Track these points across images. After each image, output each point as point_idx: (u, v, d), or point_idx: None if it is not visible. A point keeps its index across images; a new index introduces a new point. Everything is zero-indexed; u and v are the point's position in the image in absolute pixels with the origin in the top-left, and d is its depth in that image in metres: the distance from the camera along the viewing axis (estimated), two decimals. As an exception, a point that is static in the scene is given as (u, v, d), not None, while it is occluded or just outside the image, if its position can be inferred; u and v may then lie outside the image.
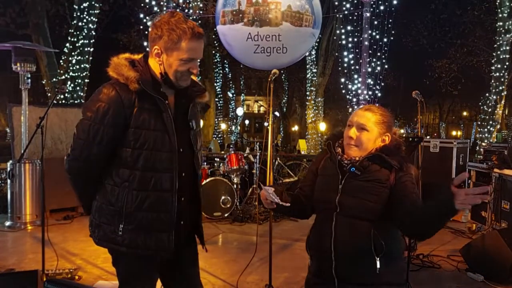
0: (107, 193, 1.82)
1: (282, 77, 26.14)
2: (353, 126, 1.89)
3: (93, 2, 10.46)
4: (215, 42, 15.45)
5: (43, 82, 11.27)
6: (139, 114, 1.77)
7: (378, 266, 1.75)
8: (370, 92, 7.85)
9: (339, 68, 9.62)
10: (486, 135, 11.14)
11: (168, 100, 1.86)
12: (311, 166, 2.10)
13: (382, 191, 1.79)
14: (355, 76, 8.46)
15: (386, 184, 1.79)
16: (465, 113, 36.59)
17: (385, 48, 8.10)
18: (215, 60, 19.51)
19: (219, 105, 21.25)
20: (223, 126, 24.62)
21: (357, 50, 8.04)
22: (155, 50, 1.80)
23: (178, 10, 8.66)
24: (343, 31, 8.93)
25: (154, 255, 1.85)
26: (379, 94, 8.31)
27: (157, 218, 1.82)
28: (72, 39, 10.47)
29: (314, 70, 16.71)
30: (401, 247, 1.93)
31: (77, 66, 10.48)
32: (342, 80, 9.38)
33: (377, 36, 8.01)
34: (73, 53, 10.46)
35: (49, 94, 11.13)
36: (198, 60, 1.87)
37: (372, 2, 7.47)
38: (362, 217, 1.79)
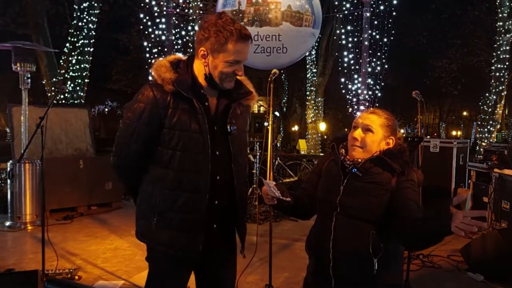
0: (144, 189, 1.89)
1: (282, 77, 26.12)
2: (359, 127, 1.91)
3: (93, 2, 10.45)
4: (215, 42, 15.46)
5: (43, 82, 11.26)
6: (173, 115, 1.79)
7: (375, 267, 1.75)
8: (370, 92, 7.84)
9: (339, 68, 9.61)
10: (486, 135, 11.14)
11: (210, 102, 1.86)
12: (315, 167, 2.11)
13: (383, 194, 1.80)
14: (355, 76, 8.46)
15: (387, 187, 1.80)
16: (465, 113, 36.56)
17: (385, 48, 8.10)
18: (215, 60, 19.51)
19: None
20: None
21: (357, 50, 8.04)
22: (201, 51, 1.81)
23: (178, 10, 8.66)
24: (343, 31, 8.93)
25: (183, 255, 1.86)
26: (379, 94, 8.31)
27: (188, 219, 1.83)
28: (72, 39, 10.47)
29: (314, 70, 16.71)
30: (401, 249, 1.92)
31: (77, 66, 10.48)
32: (342, 80, 9.37)
33: (377, 36, 8.01)
34: (73, 53, 10.46)
35: (49, 94, 11.12)
36: (243, 64, 1.86)
37: (372, 2, 7.46)
38: (361, 217, 1.79)
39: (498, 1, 10.82)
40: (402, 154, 1.87)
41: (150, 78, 6.43)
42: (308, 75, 17.09)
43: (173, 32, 7.87)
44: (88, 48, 10.57)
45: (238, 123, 1.94)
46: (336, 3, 10.19)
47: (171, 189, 1.82)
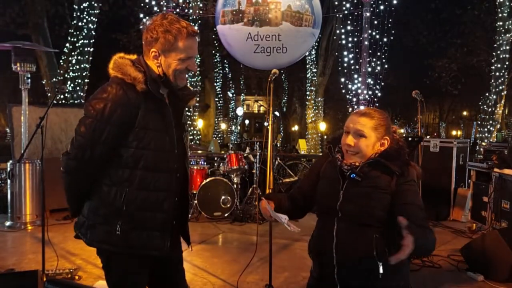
0: (104, 193, 1.81)
1: (282, 77, 26.14)
2: (350, 132, 1.85)
3: (93, 2, 10.46)
4: (215, 42, 15.46)
5: (43, 82, 11.27)
6: (144, 115, 1.78)
7: (380, 271, 1.69)
8: (370, 92, 7.84)
9: (339, 68, 9.62)
10: (486, 134, 11.15)
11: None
12: (313, 167, 2.09)
13: (383, 197, 1.76)
14: (355, 76, 8.46)
15: (387, 190, 1.77)
16: (465, 113, 36.58)
17: (385, 48, 8.10)
18: (215, 60, 19.51)
19: (219, 105, 21.26)
20: (223, 126, 24.63)
21: (357, 50, 8.05)
22: (153, 53, 1.82)
23: (178, 10, 8.66)
24: (343, 31, 8.93)
25: (149, 254, 1.86)
26: (379, 94, 8.31)
27: (154, 218, 1.83)
28: (72, 39, 10.47)
29: (314, 70, 16.71)
30: None
31: (77, 66, 10.48)
32: (342, 80, 9.37)
33: (377, 36, 8.01)
34: (73, 53, 10.46)
35: (49, 94, 11.13)
36: (195, 58, 1.90)
37: (372, 2, 7.47)
38: (363, 223, 1.77)
39: (498, 1, 10.82)
40: (399, 154, 1.83)
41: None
42: (308, 75, 17.10)
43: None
44: (88, 48, 10.57)
45: (185, 121, 2.01)
46: (336, 3, 10.20)
47: (138, 189, 1.79)
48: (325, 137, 19.84)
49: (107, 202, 1.80)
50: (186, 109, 2.13)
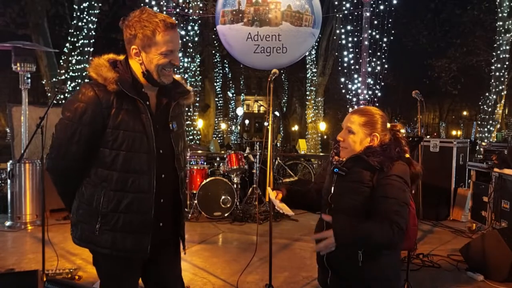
0: (85, 192, 1.83)
1: (282, 77, 26.13)
2: (343, 128, 1.97)
3: (93, 2, 10.45)
4: (215, 42, 15.46)
5: (43, 82, 11.26)
6: (117, 115, 1.77)
7: (360, 259, 1.80)
8: (370, 92, 7.84)
9: (339, 68, 9.60)
10: (486, 134, 11.14)
11: (150, 101, 1.87)
12: (324, 164, 2.20)
13: (365, 191, 1.84)
14: (355, 76, 8.46)
15: (369, 185, 1.84)
16: (465, 113, 36.59)
17: (385, 48, 8.10)
18: (215, 60, 19.50)
19: (219, 105, 21.25)
20: (223, 126, 24.62)
21: (357, 50, 8.04)
22: (133, 50, 1.81)
23: (178, 10, 8.66)
24: (343, 31, 8.93)
25: (131, 256, 1.85)
26: (379, 94, 8.31)
27: (134, 220, 1.82)
28: (72, 39, 10.46)
29: (314, 70, 16.70)
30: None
31: (77, 66, 10.47)
32: (342, 80, 9.37)
33: (377, 36, 8.01)
34: (73, 53, 10.45)
35: (49, 94, 11.12)
36: (178, 52, 1.87)
37: (372, 2, 7.47)
38: (348, 214, 1.85)
39: (498, 0, 10.82)
40: (384, 151, 1.86)
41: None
42: (308, 75, 17.10)
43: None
44: (88, 48, 10.57)
45: (177, 121, 1.96)
46: (336, 3, 10.19)
47: (116, 190, 1.79)
48: (325, 137, 19.85)
49: (88, 201, 1.82)
50: (187, 108, 2.11)
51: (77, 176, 1.86)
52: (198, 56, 12.69)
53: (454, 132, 38.07)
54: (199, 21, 11.38)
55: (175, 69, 1.93)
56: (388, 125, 1.98)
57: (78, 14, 10.41)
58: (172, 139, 1.92)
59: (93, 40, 10.75)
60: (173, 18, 7.72)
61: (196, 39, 11.44)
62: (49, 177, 1.91)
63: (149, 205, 1.83)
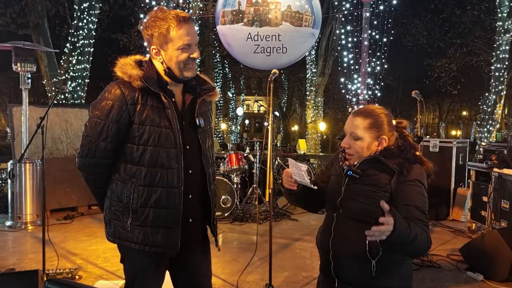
0: (116, 189, 1.86)
1: (282, 77, 26.18)
2: (347, 134, 1.83)
3: (93, 2, 10.46)
4: (215, 42, 15.48)
5: (44, 82, 11.27)
6: (142, 111, 1.80)
7: (374, 269, 1.70)
8: (370, 92, 7.85)
9: (339, 68, 9.63)
10: (486, 134, 11.14)
11: (176, 98, 1.89)
12: (328, 163, 2.07)
13: (381, 195, 1.71)
14: (355, 76, 8.47)
15: (386, 188, 1.73)
16: (464, 113, 36.61)
17: (385, 48, 8.11)
18: (215, 60, 19.53)
19: (219, 105, 21.29)
20: (223, 126, 24.64)
21: (356, 50, 8.05)
22: (153, 50, 1.84)
23: (178, 10, 8.67)
24: (342, 31, 8.94)
25: (161, 251, 1.87)
26: (379, 94, 8.32)
27: (163, 214, 1.84)
28: (73, 39, 10.47)
29: (314, 70, 16.71)
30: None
31: (78, 66, 10.48)
32: (342, 80, 9.38)
33: (377, 36, 8.02)
34: (73, 53, 10.46)
35: (49, 94, 11.13)
36: (196, 45, 1.88)
37: (372, 2, 7.48)
38: (361, 220, 1.74)
39: (498, 0, 10.83)
40: (402, 152, 1.76)
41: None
42: (308, 75, 17.11)
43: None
44: (88, 48, 10.57)
45: (204, 118, 1.98)
46: (336, 3, 10.22)
47: (144, 186, 1.81)
48: (324, 137, 19.85)
49: (118, 198, 1.86)
50: (210, 105, 2.08)
51: (107, 173, 1.89)
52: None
53: (453, 132, 38.07)
54: (199, 21, 11.39)
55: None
56: (394, 122, 1.87)
57: (79, 14, 10.42)
58: (199, 135, 1.93)
59: (94, 40, 10.76)
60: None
61: (196, 39, 11.44)
62: (82, 175, 1.93)
63: (177, 199, 1.85)
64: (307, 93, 17.29)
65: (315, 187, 1.84)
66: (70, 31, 10.69)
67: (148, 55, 1.93)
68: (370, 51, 7.66)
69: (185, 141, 1.86)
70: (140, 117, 1.80)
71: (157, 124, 1.81)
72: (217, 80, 20.64)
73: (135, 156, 1.82)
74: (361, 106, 7.05)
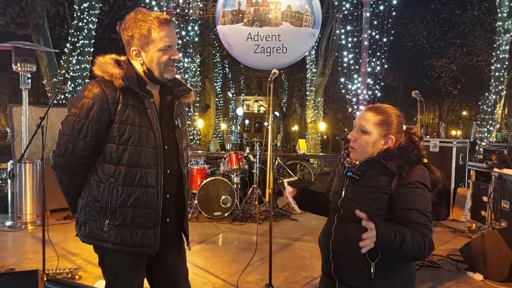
0: (93, 189, 1.84)
1: (282, 77, 26.17)
2: (356, 127, 1.82)
3: (93, 2, 10.46)
4: (215, 42, 15.46)
5: (44, 82, 11.27)
6: (123, 110, 1.80)
7: (372, 271, 1.68)
8: (370, 92, 7.85)
9: (339, 68, 9.62)
10: (486, 134, 11.14)
11: (154, 98, 1.89)
12: (334, 166, 2.07)
13: (380, 197, 1.71)
14: (355, 76, 8.47)
15: (386, 191, 1.71)
16: (464, 113, 36.61)
17: (385, 48, 8.10)
18: (215, 60, 19.52)
19: (219, 105, 21.27)
20: (223, 126, 24.63)
21: (356, 50, 8.05)
22: (133, 51, 1.84)
23: (178, 10, 8.67)
24: (342, 31, 8.94)
25: (140, 251, 1.86)
26: (379, 94, 8.32)
27: (142, 214, 1.84)
28: (73, 39, 10.47)
29: (314, 70, 16.72)
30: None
31: (78, 66, 10.48)
32: (342, 80, 9.38)
33: (377, 36, 8.02)
34: (73, 53, 10.46)
35: (49, 94, 11.13)
36: (176, 47, 1.89)
37: (372, 2, 7.48)
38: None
39: (498, 1, 10.83)
40: (403, 154, 1.72)
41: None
42: (308, 75, 17.11)
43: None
44: (89, 48, 10.58)
45: (181, 119, 1.99)
46: (336, 3, 10.21)
47: (123, 185, 1.81)
48: (325, 137, 19.86)
49: (95, 198, 1.83)
50: (187, 108, 2.13)
51: (83, 173, 1.87)
52: (198, 56, 12.70)
53: (453, 132, 38.05)
54: (199, 21, 11.39)
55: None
56: (404, 127, 1.83)
57: (79, 14, 10.42)
58: (176, 135, 1.95)
59: (93, 40, 10.76)
60: (173, 18, 7.71)
61: (196, 39, 11.45)
62: (55, 175, 1.90)
63: (156, 199, 1.85)
64: (307, 93, 17.29)
65: (299, 211, 1.93)
66: (70, 31, 10.69)
67: (124, 56, 1.92)
68: (370, 51, 7.66)
69: (164, 141, 1.87)
70: (121, 117, 1.79)
71: (137, 124, 1.81)
72: (217, 80, 20.63)
73: (114, 156, 1.80)
74: (361, 107, 7.06)
